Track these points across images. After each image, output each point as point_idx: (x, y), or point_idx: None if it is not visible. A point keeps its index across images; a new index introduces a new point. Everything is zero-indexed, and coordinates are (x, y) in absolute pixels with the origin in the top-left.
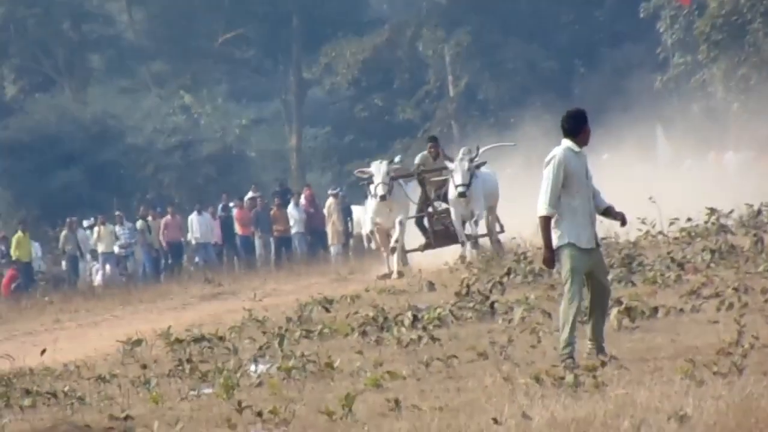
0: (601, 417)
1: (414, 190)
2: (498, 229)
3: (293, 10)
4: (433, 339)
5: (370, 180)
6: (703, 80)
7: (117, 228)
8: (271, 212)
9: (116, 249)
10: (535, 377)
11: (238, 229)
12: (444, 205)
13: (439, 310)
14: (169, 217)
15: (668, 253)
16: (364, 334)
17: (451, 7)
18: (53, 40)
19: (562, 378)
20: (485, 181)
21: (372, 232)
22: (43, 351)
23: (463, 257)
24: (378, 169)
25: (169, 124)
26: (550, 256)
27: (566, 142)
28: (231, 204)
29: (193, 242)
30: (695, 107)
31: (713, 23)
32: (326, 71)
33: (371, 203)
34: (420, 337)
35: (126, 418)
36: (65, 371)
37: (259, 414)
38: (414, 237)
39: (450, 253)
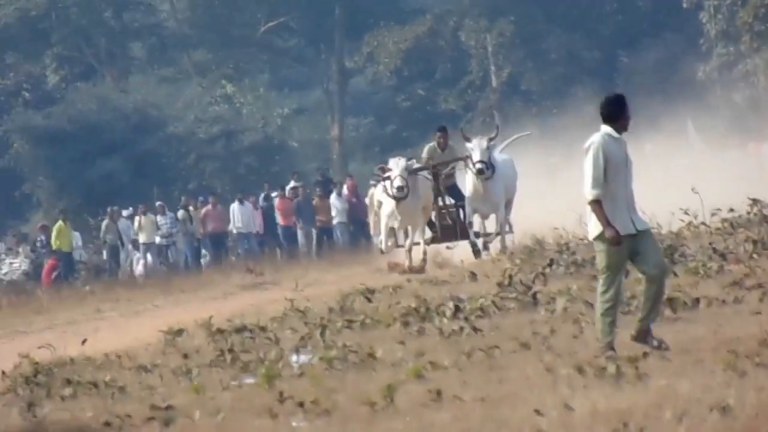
0: (643, 408)
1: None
2: (506, 228)
3: None
4: (475, 329)
5: (387, 177)
6: (746, 71)
7: (158, 218)
8: (313, 202)
9: (157, 239)
10: (577, 368)
11: (279, 219)
12: (451, 200)
13: (481, 301)
14: (210, 207)
15: (710, 243)
16: (405, 324)
17: None
18: (95, 29)
19: (604, 369)
20: (505, 170)
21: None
22: (84, 341)
23: (477, 251)
24: (396, 164)
25: (210, 114)
26: (612, 233)
27: (605, 128)
28: (273, 194)
29: (235, 232)
30: (737, 98)
31: (756, 13)
32: (368, 60)
33: (387, 202)
34: (462, 328)
35: (167, 408)
36: (106, 361)
37: (301, 404)
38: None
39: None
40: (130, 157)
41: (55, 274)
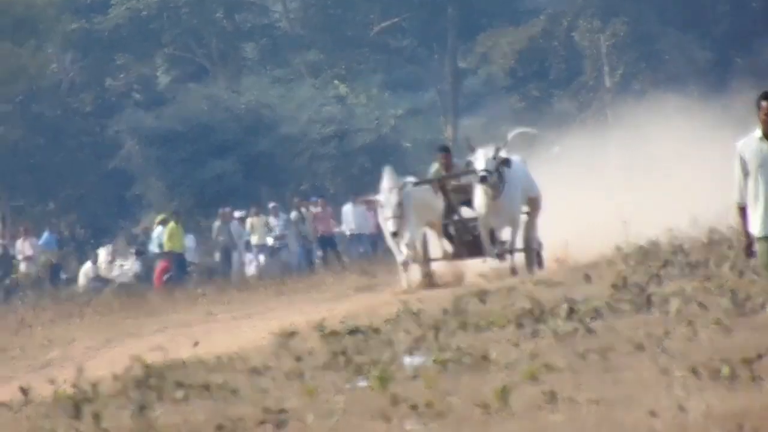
0: (758, 410)
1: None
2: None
3: None
4: (589, 331)
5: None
6: None
7: (271, 219)
8: None
9: (270, 240)
10: (691, 370)
11: None
12: (472, 213)
13: (595, 302)
14: (319, 209)
15: None
16: (520, 326)
17: None
18: (207, 30)
19: (719, 371)
20: (519, 181)
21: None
22: (196, 343)
23: (513, 269)
24: (388, 200)
25: (323, 114)
26: (746, 244)
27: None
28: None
29: (348, 233)
30: None
31: None
32: (482, 61)
33: (386, 227)
34: (576, 329)
35: (280, 411)
36: (218, 363)
37: (414, 407)
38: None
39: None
40: (242, 158)
41: (166, 276)
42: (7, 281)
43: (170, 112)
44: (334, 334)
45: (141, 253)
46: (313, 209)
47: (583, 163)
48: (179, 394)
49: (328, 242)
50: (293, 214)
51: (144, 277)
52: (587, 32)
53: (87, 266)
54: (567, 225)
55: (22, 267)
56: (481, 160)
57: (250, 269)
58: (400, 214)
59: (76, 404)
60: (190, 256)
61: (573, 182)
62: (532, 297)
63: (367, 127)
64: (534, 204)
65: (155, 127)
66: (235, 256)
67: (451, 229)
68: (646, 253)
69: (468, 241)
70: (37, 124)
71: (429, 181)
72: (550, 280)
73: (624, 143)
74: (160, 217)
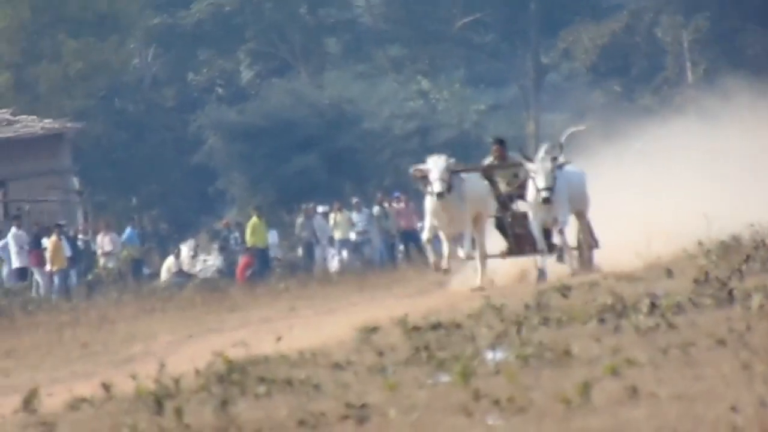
0: None
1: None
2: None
3: None
4: (671, 326)
5: (427, 180)
6: None
7: (354, 214)
8: None
9: (352, 235)
10: None
11: None
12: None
13: (677, 297)
14: (402, 204)
15: None
16: (601, 321)
17: None
18: (290, 25)
19: None
20: (570, 181)
21: (429, 239)
22: (279, 338)
23: (541, 272)
24: (435, 163)
25: (406, 110)
26: None
27: None
28: None
29: None
30: None
31: None
32: (564, 56)
33: (429, 204)
34: (658, 324)
35: (362, 406)
36: (301, 359)
37: (496, 402)
38: (493, 242)
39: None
40: (324, 154)
41: (249, 271)
42: (90, 276)
43: (253, 107)
44: (416, 329)
45: (224, 248)
46: (396, 205)
47: (664, 158)
48: (261, 389)
49: (410, 237)
50: (376, 210)
51: (227, 272)
52: (669, 28)
53: (170, 261)
54: (649, 220)
55: (102, 262)
56: (540, 176)
57: (333, 264)
58: (448, 179)
59: (158, 400)
60: (272, 252)
61: (655, 177)
62: (614, 292)
63: (450, 123)
64: (581, 215)
65: (238, 123)
66: (317, 251)
67: (506, 224)
68: (728, 248)
69: (522, 235)
70: (119, 119)
71: (474, 168)
72: (632, 275)
73: (705, 138)
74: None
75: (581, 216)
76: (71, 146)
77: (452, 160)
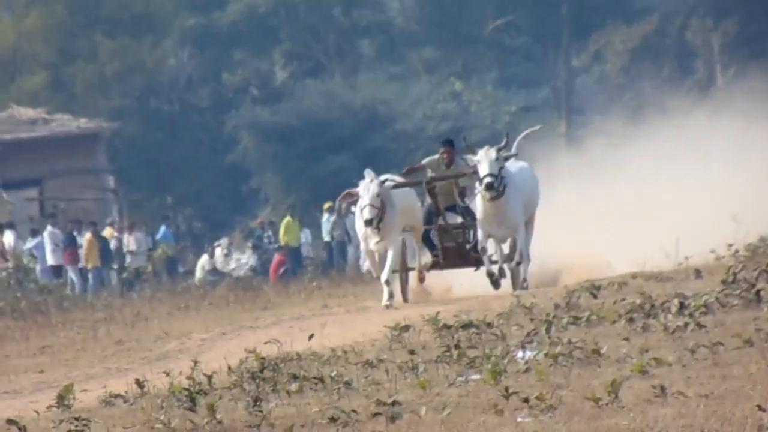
0: None
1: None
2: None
3: None
4: (699, 326)
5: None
6: None
7: None
8: None
9: None
10: None
11: None
12: (458, 219)
13: (705, 297)
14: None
15: None
16: (630, 320)
17: None
18: (324, 26)
19: None
20: (522, 182)
21: (367, 258)
22: (311, 336)
23: (496, 281)
24: (366, 188)
25: (438, 111)
26: None
27: None
28: None
29: None
30: None
31: None
32: (595, 59)
33: (358, 226)
34: (686, 324)
35: (393, 403)
36: (332, 356)
37: (526, 400)
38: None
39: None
40: (358, 154)
41: (282, 269)
42: (124, 274)
43: (287, 107)
44: (447, 327)
45: (257, 246)
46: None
47: (694, 160)
48: (293, 386)
49: None
50: None
51: (260, 270)
52: (699, 31)
53: (204, 259)
54: (676, 221)
55: (129, 261)
56: (484, 163)
57: (365, 264)
58: (379, 205)
59: (191, 396)
60: (305, 251)
61: (684, 179)
62: (643, 292)
63: (482, 124)
64: (530, 213)
65: (272, 123)
66: (350, 250)
67: (434, 236)
68: (756, 249)
69: (451, 248)
70: (154, 118)
71: (417, 183)
72: (661, 274)
73: (735, 140)
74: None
75: (528, 223)
76: (107, 145)
77: (388, 182)
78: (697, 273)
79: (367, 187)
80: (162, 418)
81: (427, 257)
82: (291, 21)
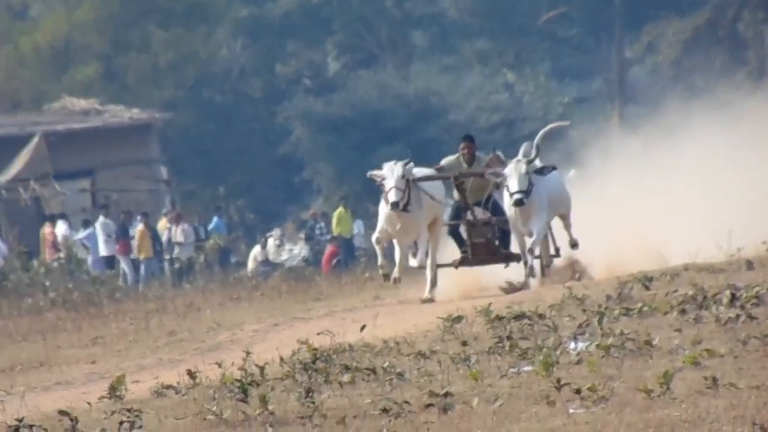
0: None
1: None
2: (553, 251)
3: None
4: (751, 317)
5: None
6: None
7: None
8: None
9: None
10: None
11: None
12: (487, 214)
13: (757, 289)
14: None
15: None
16: (682, 312)
17: None
18: (376, 17)
19: None
20: (546, 186)
21: (378, 239)
22: (363, 327)
23: (523, 282)
24: (391, 171)
25: (491, 102)
26: None
27: None
28: None
29: None
30: None
31: None
32: (648, 50)
33: (383, 210)
34: (738, 316)
35: (445, 394)
36: (385, 347)
37: (578, 391)
38: (446, 250)
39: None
40: (411, 145)
41: (335, 260)
42: (177, 265)
43: (340, 98)
44: (499, 319)
45: (309, 237)
46: None
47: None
48: (346, 377)
49: None
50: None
51: (312, 261)
52: (751, 23)
53: (256, 250)
54: (728, 212)
55: (176, 252)
56: (513, 179)
57: (419, 255)
58: (404, 186)
59: (243, 387)
60: (358, 242)
61: (735, 169)
62: (695, 283)
63: (534, 115)
64: (561, 211)
65: (325, 114)
66: None
67: (462, 231)
68: None
69: (480, 244)
70: (207, 109)
71: (445, 177)
72: (713, 266)
73: None
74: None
75: (564, 218)
76: (159, 136)
77: (410, 166)
78: (749, 264)
79: (391, 169)
80: (214, 409)
81: (449, 256)
82: (343, 12)
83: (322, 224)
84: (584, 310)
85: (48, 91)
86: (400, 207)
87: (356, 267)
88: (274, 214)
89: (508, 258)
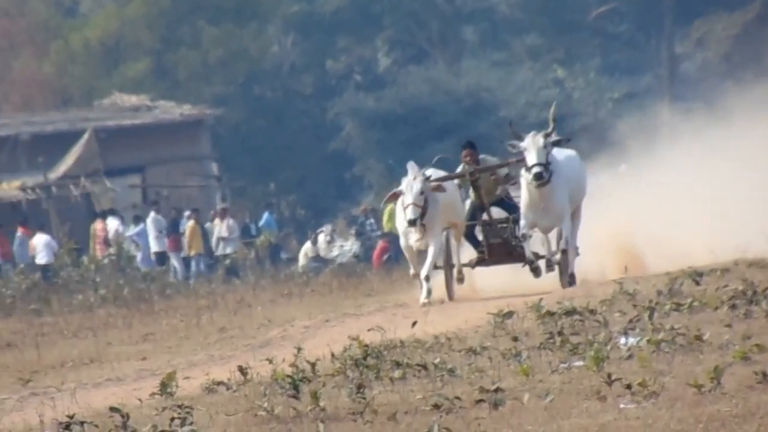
0: None
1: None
2: (566, 243)
3: None
4: None
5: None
6: None
7: None
8: None
9: None
10: None
11: None
12: (504, 214)
13: None
14: None
15: None
16: (732, 307)
17: None
18: (427, 13)
19: None
20: (568, 171)
21: (404, 248)
22: (414, 323)
23: (536, 268)
24: (410, 186)
25: (541, 98)
26: None
27: None
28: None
29: None
30: None
31: None
32: (698, 46)
33: (400, 224)
34: None
35: (496, 390)
36: (436, 343)
37: (628, 386)
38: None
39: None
40: (461, 141)
41: (386, 256)
42: (227, 261)
43: (390, 94)
44: (550, 314)
45: (360, 233)
46: None
47: None
48: (397, 373)
49: None
50: None
51: (363, 257)
52: None
53: (307, 246)
54: None
55: (221, 247)
56: (532, 151)
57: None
58: (422, 203)
59: (295, 383)
60: None
61: None
62: (745, 279)
63: (585, 111)
64: (576, 203)
65: (375, 110)
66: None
67: (478, 232)
68: None
69: (497, 245)
70: (258, 105)
71: (459, 176)
72: (763, 261)
73: None
74: None
75: (575, 214)
76: (210, 132)
77: (430, 175)
78: None
79: (410, 185)
80: (265, 405)
81: (466, 256)
82: (394, 7)
83: (373, 220)
84: (635, 306)
85: (98, 87)
86: (418, 224)
87: (407, 263)
88: (324, 210)
89: (520, 258)
